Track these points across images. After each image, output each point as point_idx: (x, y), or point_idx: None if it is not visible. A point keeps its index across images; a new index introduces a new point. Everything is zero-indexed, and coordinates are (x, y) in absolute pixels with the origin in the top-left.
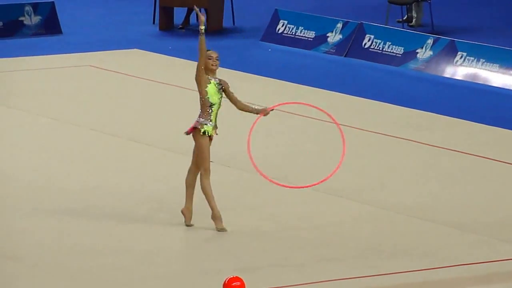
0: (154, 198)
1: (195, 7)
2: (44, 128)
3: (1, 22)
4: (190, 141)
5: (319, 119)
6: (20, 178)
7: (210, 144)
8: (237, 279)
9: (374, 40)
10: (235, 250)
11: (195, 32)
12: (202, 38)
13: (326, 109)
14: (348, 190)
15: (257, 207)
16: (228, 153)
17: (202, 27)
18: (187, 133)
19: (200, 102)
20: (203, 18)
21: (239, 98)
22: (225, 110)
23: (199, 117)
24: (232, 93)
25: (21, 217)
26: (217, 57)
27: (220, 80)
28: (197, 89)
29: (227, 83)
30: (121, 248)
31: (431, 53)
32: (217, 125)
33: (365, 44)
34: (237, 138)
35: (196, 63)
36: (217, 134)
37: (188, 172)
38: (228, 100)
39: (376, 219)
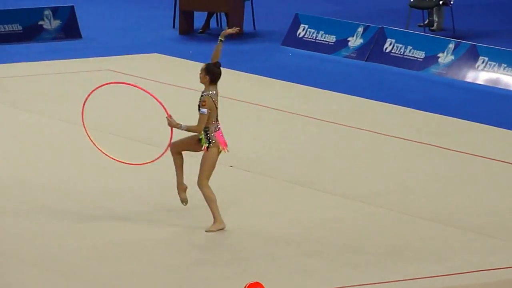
0: (173, 203)
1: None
2: (63, 132)
3: (21, 27)
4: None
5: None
6: (40, 182)
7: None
8: (258, 284)
9: (395, 44)
10: (257, 255)
11: (215, 36)
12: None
13: (349, 113)
14: (371, 195)
15: (279, 212)
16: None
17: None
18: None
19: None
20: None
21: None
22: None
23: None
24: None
25: (44, 220)
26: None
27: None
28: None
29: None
30: (136, 255)
31: (452, 57)
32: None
33: (386, 48)
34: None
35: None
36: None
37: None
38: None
39: (399, 224)
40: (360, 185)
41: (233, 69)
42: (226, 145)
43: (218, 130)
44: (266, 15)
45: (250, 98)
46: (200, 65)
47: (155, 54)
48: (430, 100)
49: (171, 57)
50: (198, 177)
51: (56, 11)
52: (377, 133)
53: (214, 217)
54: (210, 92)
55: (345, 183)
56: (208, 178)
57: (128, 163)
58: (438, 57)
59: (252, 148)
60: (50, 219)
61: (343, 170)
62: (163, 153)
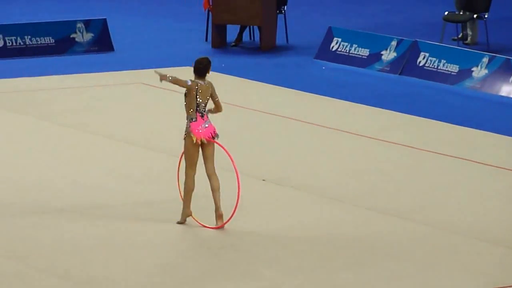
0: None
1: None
2: (96, 146)
3: (53, 39)
4: (241, 158)
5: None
6: (72, 195)
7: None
8: None
9: (429, 58)
10: (295, 269)
11: (248, 49)
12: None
13: (382, 127)
14: (404, 210)
15: (313, 228)
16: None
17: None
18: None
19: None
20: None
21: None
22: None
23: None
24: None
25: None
26: None
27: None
28: (241, 106)
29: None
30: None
31: (486, 71)
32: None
33: (419, 62)
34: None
35: (247, 80)
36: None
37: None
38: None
39: (432, 239)
40: (395, 200)
41: (266, 83)
42: (200, 135)
43: (195, 121)
44: (299, 28)
45: (282, 111)
46: (233, 79)
47: (188, 67)
48: (464, 114)
49: None
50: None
51: (88, 24)
52: (411, 147)
53: (184, 206)
54: (198, 81)
55: (381, 198)
56: (190, 168)
57: (205, 226)
58: (472, 71)
59: (284, 162)
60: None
61: (377, 184)
62: (233, 214)
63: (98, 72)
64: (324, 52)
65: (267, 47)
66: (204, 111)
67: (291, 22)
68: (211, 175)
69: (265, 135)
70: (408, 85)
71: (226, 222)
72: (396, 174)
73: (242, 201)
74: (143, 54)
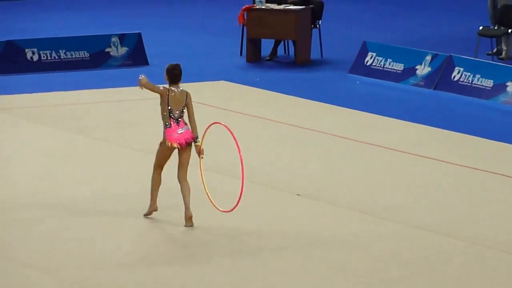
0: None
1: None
2: (131, 159)
3: (88, 54)
4: (276, 172)
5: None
6: (106, 207)
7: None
8: None
9: (464, 72)
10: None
11: (283, 64)
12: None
13: (416, 142)
14: (437, 224)
15: (348, 242)
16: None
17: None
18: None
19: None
20: None
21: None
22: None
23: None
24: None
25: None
26: None
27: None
28: (275, 120)
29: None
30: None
31: None
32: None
33: (454, 76)
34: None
35: (281, 94)
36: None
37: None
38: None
39: (466, 254)
40: (429, 214)
41: (300, 97)
42: (173, 140)
43: (169, 127)
44: (333, 42)
45: (316, 126)
46: (268, 93)
47: (223, 81)
48: (499, 129)
49: (239, 84)
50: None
51: (123, 38)
52: (446, 162)
53: (151, 201)
54: (170, 88)
55: (415, 212)
56: (156, 167)
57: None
58: (507, 86)
59: (319, 176)
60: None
61: (412, 199)
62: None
63: (132, 86)
64: (359, 67)
65: (302, 61)
66: (180, 117)
67: (325, 37)
68: (182, 181)
69: (299, 149)
70: (442, 100)
71: (235, 207)
72: (431, 189)
73: (277, 215)
74: None
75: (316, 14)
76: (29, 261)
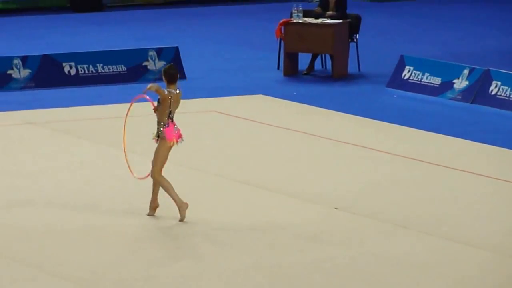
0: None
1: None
2: (169, 173)
3: (125, 67)
4: (313, 186)
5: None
6: (152, 222)
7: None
8: None
9: (501, 86)
10: None
11: (320, 78)
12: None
13: (454, 156)
14: (477, 238)
15: (385, 257)
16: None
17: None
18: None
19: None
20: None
21: None
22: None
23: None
24: None
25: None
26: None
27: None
28: (313, 134)
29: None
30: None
31: None
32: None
33: (492, 90)
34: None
35: (319, 108)
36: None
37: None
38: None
39: (501, 268)
40: (468, 228)
41: (337, 111)
42: (172, 137)
43: (168, 126)
44: (371, 56)
45: (354, 140)
46: (305, 107)
47: (260, 95)
48: None
49: (276, 98)
50: (152, 169)
51: (160, 52)
52: (483, 175)
53: (175, 202)
54: (170, 90)
55: (455, 226)
56: (160, 170)
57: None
58: None
59: (356, 190)
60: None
61: (450, 212)
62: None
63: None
64: (396, 81)
65: (339, 75)
66: (173, 116)
67: (363, 50)
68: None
69: (337, 163)
70: (480, 114)
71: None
72: (470, 203)
73: (314, 229)
74: (215, 82)
75: (353, 28)
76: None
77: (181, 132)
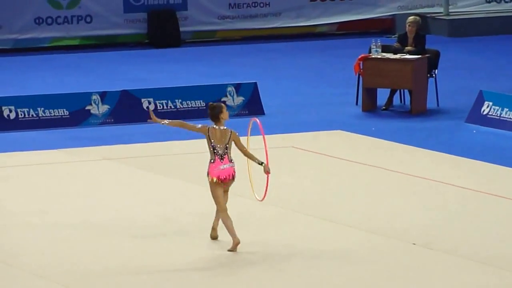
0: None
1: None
2: (242, 207)
3: (204, 103)
4: (390, 221)
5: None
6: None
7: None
8: None
9: None
10: None
11: (399, 113)
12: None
13: None
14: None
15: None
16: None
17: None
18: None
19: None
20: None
21: None
22: None
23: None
24: None
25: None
26: None
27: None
28: (391, 169)
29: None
30: None
31: None
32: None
33: None
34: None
35: (398, 144)
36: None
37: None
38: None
39: None
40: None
41: (416, 146)
42: (215, 175)
43: (213, 162)
44: (450, 92)
45: (433, 175)
46: (384, 142)
47: (338, 131)
48: None
49: (355, 134)
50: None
51: (239, 88)
52: None
53: (231, 236)
54: (213, 125)
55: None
56: (218, 205)
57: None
58: None
59: (434, 226)
60: None
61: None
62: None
63: (244, 135)
64: (475, 116)
65: (418, 110)
66: (225, 154)
67: (441, 86)
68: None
69: (415, 198)
70: None
71: (264, 197)
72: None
73: (392, 267)
74: (293, 117)
75: (432, 63)
76: None
77: (234, 171)
